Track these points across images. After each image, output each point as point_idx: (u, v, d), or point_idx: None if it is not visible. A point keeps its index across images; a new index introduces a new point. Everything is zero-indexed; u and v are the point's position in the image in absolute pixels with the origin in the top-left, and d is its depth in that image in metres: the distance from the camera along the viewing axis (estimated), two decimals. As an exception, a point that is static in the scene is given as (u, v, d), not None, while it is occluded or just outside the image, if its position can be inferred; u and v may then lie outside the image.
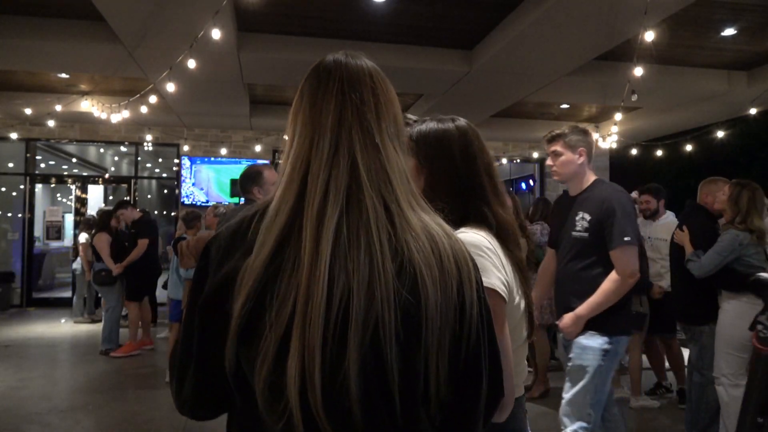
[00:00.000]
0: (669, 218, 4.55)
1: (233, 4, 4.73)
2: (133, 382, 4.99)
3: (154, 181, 12.20)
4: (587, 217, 2.47)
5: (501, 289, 1.07)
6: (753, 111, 6.88)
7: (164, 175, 11.34)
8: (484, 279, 1.01)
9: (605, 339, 2.40)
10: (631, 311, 2.77)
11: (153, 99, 6.08)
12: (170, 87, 5.17)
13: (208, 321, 0.77)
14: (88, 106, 7.00)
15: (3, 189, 9.70)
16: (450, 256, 0.75)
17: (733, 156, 12.53)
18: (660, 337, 4.45)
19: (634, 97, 5.48)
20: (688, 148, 8.01)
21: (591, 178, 2.59)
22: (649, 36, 4.27)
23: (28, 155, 9.24)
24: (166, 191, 11.71)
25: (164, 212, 11.64)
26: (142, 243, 5.94)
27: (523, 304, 1.20)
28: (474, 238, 1.10)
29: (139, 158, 9.95)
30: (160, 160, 10.95)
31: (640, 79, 4.82)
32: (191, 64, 4.74)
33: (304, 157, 0.76)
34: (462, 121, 1.26)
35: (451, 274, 0.74)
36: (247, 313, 0.70)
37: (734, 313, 3.14)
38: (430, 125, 1.24)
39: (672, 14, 4.55)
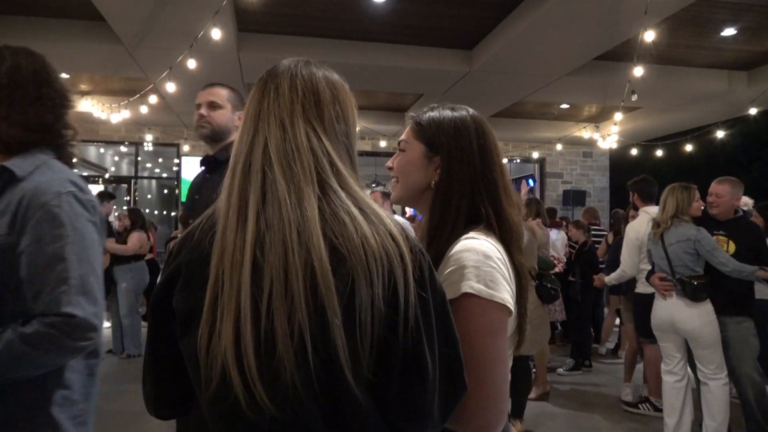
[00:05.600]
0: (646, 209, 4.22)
1: (233, 4, 4.73)
2: (137, 381, 4.99)
3: (154, 181, 12.18)
4: None
5: (510, 303, 1.01)
6: (753, 111, 6.89)
7: (164, 175, 11.34)
8: (494, 293, 0.97)
9: None
10: None
11: (153, 99, 6.09)
12: (170, 87, 5.17)
13: (156, 318, 0.81)
14: (88, 106, 7.00)
15: (3, 189, 9.69)
16: (369, 237, 0.74)
17: (733, 156, 12.53)
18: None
19: (634, 97, 5.49)
20: (688, 148, 8.03)
21: None
22: (649, 36, 4.28)
23: (28, 155, 9.23)
24: (166, 191, 11.71)
25: (164, 212, 11.65)
26: None
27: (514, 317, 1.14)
28: (485, 246, 1.03)
29: (139, 158, 9.95)
30: (160, 160, 10.95)
31: (640, 79, 4.82)
32: (191, 64, 4.75)
33: (237, 149, 0.82)
34: (475, 112, 1.19)
35: (369, 255, 0.72)
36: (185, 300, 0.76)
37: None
38: (444, 112, 1.16)
39: (672, 14, 4.56)
